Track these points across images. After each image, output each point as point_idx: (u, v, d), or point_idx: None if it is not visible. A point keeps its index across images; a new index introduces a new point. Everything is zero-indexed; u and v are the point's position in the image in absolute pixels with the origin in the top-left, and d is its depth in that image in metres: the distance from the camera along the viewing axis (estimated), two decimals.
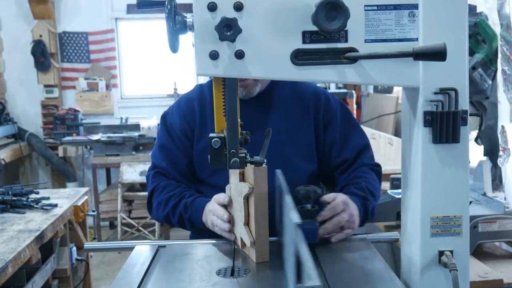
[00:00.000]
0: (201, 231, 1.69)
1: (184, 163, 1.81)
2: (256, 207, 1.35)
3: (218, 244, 1.55)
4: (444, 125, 1.19)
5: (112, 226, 5.80)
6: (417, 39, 1.18)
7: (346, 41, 1.17)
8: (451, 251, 1.23)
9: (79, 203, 2.78)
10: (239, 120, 1.26)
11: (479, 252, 1.84)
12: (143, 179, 4.92)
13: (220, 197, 1.57)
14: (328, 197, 1.55)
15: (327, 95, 1.84)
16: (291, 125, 1.75)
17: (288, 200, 1.18)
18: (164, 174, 1.81)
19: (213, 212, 1.57)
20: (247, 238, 1.38)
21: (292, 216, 1.09)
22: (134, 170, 5.10)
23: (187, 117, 1.81)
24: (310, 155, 1.78)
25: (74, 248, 2.74)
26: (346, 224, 1.53)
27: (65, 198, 2.78)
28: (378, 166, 1.84)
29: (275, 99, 1.79)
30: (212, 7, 1.14)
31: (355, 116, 5.36)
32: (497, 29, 2.28)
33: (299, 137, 1.76)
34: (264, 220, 1.37)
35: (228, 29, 1.12)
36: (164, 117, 1.88)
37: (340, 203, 1.53)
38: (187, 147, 1.80)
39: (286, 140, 1.72)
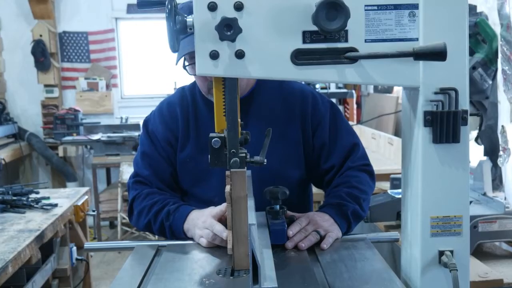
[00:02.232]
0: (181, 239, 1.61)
1: (168, 171, 1.75)
2: (234, 212, 1.30)
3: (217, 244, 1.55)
4: (444, 125, 1.19)
5: (112, 226, 5.80)
6: (417, 39, 1.18)
7: (346, 41, 1.17)
8: (451, 251, 1.23)
9: (79, 203, 2.78)
10: (239, 120, 1.26)
11: (479, 252, 1.84)
12: None
13: (214, 210, 1.54)
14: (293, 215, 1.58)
15: (315, 95, 1.77)
16: (276, 132, 1.61)
17: (249, 203, 1.19)
18: (146, 183, 1.75)
19: (208, 228, 1.51)
20: (230, 243, 1.35)
21: (248, 217, 1.09)
22: None
23: (170, 125, 1.76)
24: (298, 162, 1.74)
25: (74, 248, 2.74)
26: (323, 231, 1.52)
27: (65, 198, 2.79)
28: (367, 165, 1.78)
29: (259, 105, 1.72)
30: (212, 7, 1.14)
31: (355, 116, 5.37)
32: (497, 29, 2.28)
33: (285, 144, 1.70)
34: (242, 225, 1.29)
35: (228, 29, 1.12)
36: (145, 123, 1.82)
37: (303, 218, 1.54)
38: (170, 155, 1.75)
39: (272, 148, 1.52)
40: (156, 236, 1.98)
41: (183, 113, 1.76)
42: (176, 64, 1.64)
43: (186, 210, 1.62)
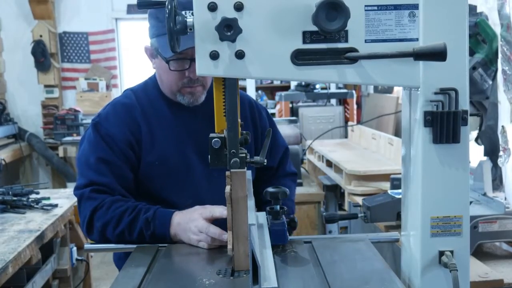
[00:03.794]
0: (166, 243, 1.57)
1: (130, 176, 1.66)
2: (234, 212, 1.30)
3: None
4: (444, 125, 1.19)
5: None
6: (417, 39, 1.18)
7: (346, 41, 1.17)
8: (452, 251, 1.23)
9: None
10: (239, 120, 1.26)
11: (479, 252, 1.84)
12: None
13: (205, 212, 1.52)
14: None
15: (257, 104, 1.92)
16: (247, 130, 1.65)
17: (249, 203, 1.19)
18: (106, 191, 1.61)
19: (203, 231, 1.48)
20: (230, 243, 1.35)
21: (248, 217, 1.09)
22: None
23: (129, 126, 1.67)
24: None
25: (75, 248, 2.74)
26: None
27: (65, 198, 2.79)
28: (295, 174, 1.99)
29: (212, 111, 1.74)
30: (212, 7, 1.14)
31: (355, 116, 5.38)
32: (497, 29, 2.28)
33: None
34: (242, 226, 1.30)
35: (228, 29, 1.12)
36: (96, 126, 1.68)
37: None
38: (131, 159, 1.65)
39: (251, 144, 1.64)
40: None
41: (144, 116, 1.69)
42: (169, 57, 1.59)
43: (167, 215, 1.56)
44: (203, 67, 1.17)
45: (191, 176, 1.69)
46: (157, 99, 1.74)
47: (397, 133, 4.54)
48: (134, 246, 1.57)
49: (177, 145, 1.70)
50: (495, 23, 2.33)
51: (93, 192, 1.61)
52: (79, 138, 5.57)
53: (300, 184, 3.30)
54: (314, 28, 1.14)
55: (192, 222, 1.52)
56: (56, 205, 2.58)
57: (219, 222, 1.49)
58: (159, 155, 1.68)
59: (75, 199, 2.76)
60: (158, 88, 1.76)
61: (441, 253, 1.24)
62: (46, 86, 6.07)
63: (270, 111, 4.10)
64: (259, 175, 1.85)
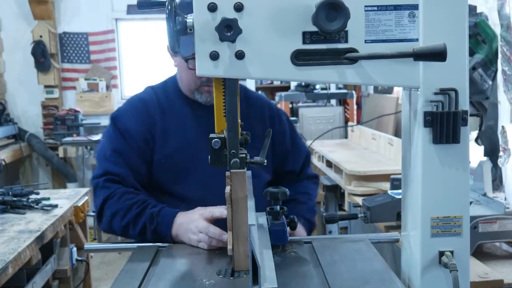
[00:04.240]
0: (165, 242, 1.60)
1: (143, 170, 1.70)
2: (234, 213, 1.30)
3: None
4: (444, 126, 1.19)
5: None
6: (417, 40, 1.18)
7: (346, 41, 1.17)
8: (452, 252, 1.23)
9: (80, 204, 2.78)
10: (239, 120, 1.26)
11: (479, 253, 1.84)
12: None
13: (205, 213, 1.54)
14: None
15: (276, 107, 1.96)
16: (252, 135, 1.66)
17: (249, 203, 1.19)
18: (120, 181, 1.66)
19: (203, 231, 1.50)
20: (230, 244, 1.36)
21: (248, 218, 1.09)
22: None
23: (146, 122, 1.72)
24: (268, 165, 1.74)
25: (75, 249, 2.74)
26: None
27: (65, 199, 2.79)
28: (317, 177, 2.04)
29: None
30: (212, 8, 1.14)
31: (355, 116, 5.38)
32: (497, 30, 2.28)
33: (259, 148, 1.74)
34: (242, 226, 1.30)
35: (228, 30, 1.12)
36: (114, 120, 1.75)
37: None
38: (145, 153, 1.70)
39: (247, 148, 1.63)
40: None
41: (160, 111, 1.73)
42: (188, 56, 1.62)
43: (171, 214, 1.58)
44: (203, 68, 1.17)
45: (202, 172, 1.69)
46: (176, 97, 1.78)
47: (397, 133, 4.54)
48: (135, 246, 1.57)
49: (190, 142, 1.72)
50: (495, 23, 2.33)
51: (107, 181, 1.66)
52: (79, 138, 5.58)
53: None
54: (314, 29, 1.14)
55: (192, 223, 1.53)
56: (56, 206, 2.58)
57: (220, 222, 1.49)
58: (171, 151, 1.71)
59: (75, 199, 2.80)
60: (177, 86, 1.81)
61: (441, 253, 1.24)
62: (46, 86, 6.07)
63: None
64: (280, 179, 1.87)
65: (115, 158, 1.69)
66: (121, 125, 1.72)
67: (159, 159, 1.71)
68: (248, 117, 1.72)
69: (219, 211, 1.52)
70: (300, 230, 1.71)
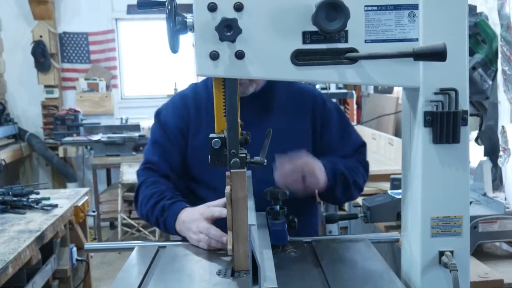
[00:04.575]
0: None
1: (177, 159, 1.80)
2: (234, 213, 1.30)
3: None
4: (444, 125, 1.19)
5: (113, 226, 5.80)
6: (417, 40, 1.18)
7: (346, 41, 1.17)
8: (452, 251, 1.23)
9: (80, 204, 2.78)
10: (239, 120, 1.26)
11: (479, 252, 1.84)
12: None
13: (206, 213, 1.55)
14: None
15: (323, 97, 1.90)
16: (288, 126, 1.75)
17: (249, 203, 1.19)
18: (155, 170, 1.80)
19: (203, 232, 1.52)
20: (230, 243, 1.35)
21: (248, 218, 1.09)
22: (134, 171, 5.06)
23: (182, 115, 1.81)
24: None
25: (75, 249, 2.74)
26: (308, 175, 1.57)
27: (65, 199, 2.78)
28: (367, 163, 1.92)
29: (272, 100, 1.80)
30: (212, 8, 1.14)
31: (355, 116, 5.37)
32: (497, 29, 2.28)
33: (296, 138, 1.76)
34: (242, 226, 1.30)
35: (228, 30, 1.12)
36: (158, 114, 1.88)
37: (303, 154, 1.60)
38: (181, 145, 1.80)
39: (283, 141, 1.68)
40: (157, 237, 2.00)
41: (196, 104, 1.81)
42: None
43: (177, 209, 1.64)
44: (203, 67, 1.17)
45: None
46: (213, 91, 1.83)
47: (397, 133, 4.54)
48: (135, 245, 1.57)
49: None
50: (495, 23, 2.33)
51: (144, 169, 1.82)
52: (79, 138, 5.58)
53: None
54: (314, 28, 1.14)
55: (194, 223, 1.55)
56: (56, 206, 2.58)
57: (220, 222, 1.50)
58: (201, 140, 1.74)
59: (75, 199, 2.80)
60: None
61: (441, 253, 1.24)
62: (46, 86, 6.07)
63: None
64: None
65: (154, 149, 1.83)
66: (162, 118, 1.85)
67: (192, 149, 1.79)
68: (291, 113, 1.78)
69: (219, 210, 1.53)
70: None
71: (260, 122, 1.69)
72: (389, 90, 5.44)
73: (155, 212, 1.68)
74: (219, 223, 1.51)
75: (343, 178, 1.71)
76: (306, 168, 1.57)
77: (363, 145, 1.91)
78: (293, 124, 1.77)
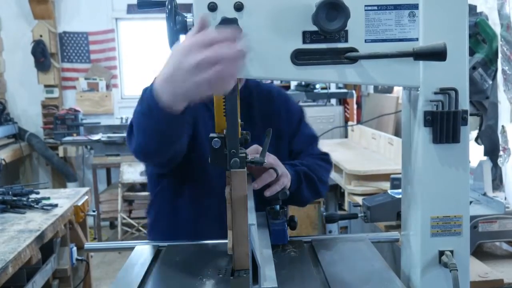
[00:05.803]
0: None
1: (185, 142, 1.62)
2: (234, 212, 1.28)
3: (218, 245, 1.55)
4: (444, 125, 1.19)
5: (113, 226, 5.80)
6: (417, 39, 1.18)
7: (346, 41, 1.17)
8: (452, 251, 1.23)
9: (80, 203, 2.78)
10: (239, 120, 1.26)
11: (479, 252, 1.84)
12: (143, 179, 4.93)
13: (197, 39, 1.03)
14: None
15: (286, 93, 1.95)
16: (269, 125, 1.65)
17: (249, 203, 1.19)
18: None
19: (206, 61, 0.99)
20: (230, 243, 1.35)
21: (248, 217, 1.09)
22: (134, 170, 5.10)
23: (193, 109, 1.72)
24: (288, 154, 1.80)
25: (75, 248, 2.74)
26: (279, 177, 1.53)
27: (65, 198, 2.79)
28: (326, 154, 1.89)
29: (252, 98, 1.77)
30: (212, 7, 1.14)
31: (355, 116, 5.38)
32: (497, 29, 2.29)
33: (280, 136, 1.76)
34: (242, 226, 1.27)
35: None
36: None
37: (270, 158, 1.54)
38: (190, 133, 1.65)
39: (273, 146, 1.59)
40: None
41: (201, 103, 1.72)
42: None
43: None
44: None
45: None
46: None
47: (397, 133, 4.53)
48: (135, 245, 1.57)
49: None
50: (495, 23, 2.34)
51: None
52: (79, 138, 5.59)
53: None
54: (314, 28, 1.14)
55: (181, 57, 1.01)
56: (56, 205, 2.58)
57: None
58: (196, 140, 1.69)
59: (75, 199, 2.80)
60: None
61: (441, 253, 1.24)
62: (46, 86, 6.07)
63: None
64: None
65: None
66: None
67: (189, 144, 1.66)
68: (271, 114, 1.77)
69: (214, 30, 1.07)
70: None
71: (247, 119, 1.57)
72: (389, 90, 5.44)
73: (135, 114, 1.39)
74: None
75: (307, 177, 1.68)
76: (278, 171, 1.53)
77: (314, 138, 1.92)
78: (275, 123, 1.72)
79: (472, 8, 2.35)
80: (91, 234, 4.34)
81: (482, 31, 2.31)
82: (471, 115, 1.23)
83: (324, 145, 3.61)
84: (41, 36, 5.87)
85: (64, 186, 5.76)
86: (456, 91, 1.19)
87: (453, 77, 1.19)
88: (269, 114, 1.78)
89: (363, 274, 1.32)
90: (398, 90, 5.13)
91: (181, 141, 1.49)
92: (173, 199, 1.72)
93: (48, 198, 2.70)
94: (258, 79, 1.68)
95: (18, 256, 1.94)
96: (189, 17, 1.15)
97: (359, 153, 3.51)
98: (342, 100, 5.54)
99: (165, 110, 1.15)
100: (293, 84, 5.60)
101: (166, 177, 1.73)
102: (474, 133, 2.40)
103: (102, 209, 5.40)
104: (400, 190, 1.45)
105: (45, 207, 2.54)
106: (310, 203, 1.86)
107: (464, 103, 1.21)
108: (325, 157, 1.88)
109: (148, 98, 1.19)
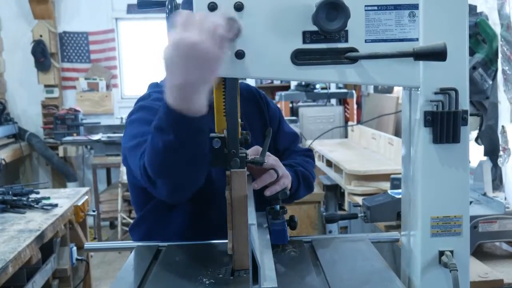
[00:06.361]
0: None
1: None
2: (234, 212, 1.29)
3: (218, 245, 1.55)
4: (444, 125, 1.19)
5: (112, 226, 5.80)
6: (417, 39, 1.18)
7: (346, 41, 1.17)
8: (451, 251, 1.23)
9: (80, 203, 2.78)
10: (239, 120, 1.26)
11: (479, 252, 1.84)
12: None
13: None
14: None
15: (265, 95, 1.94)
16: (254, 124, 1.72)
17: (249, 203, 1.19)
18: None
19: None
20: (230, 243, 1.35)
21: (248, 217, 1.09)
22: None
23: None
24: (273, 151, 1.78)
25: (75, 248, 2.74)
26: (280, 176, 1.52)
27: (65, 198, 2.79)
28: (310, 150, 1.92)
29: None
30: (212, 7, 1.14)
31: (355, 116, 5.38)
32: (497, 29, 2.29)
33: (262, 133, 1.73)
34: (242, 226, 1.28)
35: None
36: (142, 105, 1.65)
37: (271, 159, 1.52)
38: None
39: (257, 142, 1.57)
40: None
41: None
42: None
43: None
44: None
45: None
46: None
47: (397, 133, 4.54)
48: (135, 245, 1.57)
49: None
50: (495, 23, 2.34)
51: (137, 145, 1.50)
52: (79, 138, 5.59)
53: None
54: (314, 28, 1.14)
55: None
56: (56, 205, 2.58)
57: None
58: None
59: (75, 199, 2.80)
60: None
61: (441, 253, 1.24)
62: (46, 86, 6.07)
63: None
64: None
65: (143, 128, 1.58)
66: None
67: None
68: (248, 114, 1.72)
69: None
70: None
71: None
72: (389, 90, 5.44)
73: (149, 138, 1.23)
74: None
75: (304, 176, 1.70)
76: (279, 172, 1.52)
77: (295, 136, 1.94)
78: (257, 122, 1.75)
79: (472, 8, 2.35)
80: (91, 234, 4.34)
81: (482, 31, 2.31)
82: (471, 115, 1.23)
83: (324, 145, 3.59)
84: (41, 36, 5.87)
85: (64, 186, 5.76)
86: (456, 91, 1.19)
87: (453, 77, 1.19)
88: (253, 113, 1.78)
89: (363, 274, 1.32)
90: (398, 90, 5.13)
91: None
92: (167, 214, 1.63)
93: (48, 198, 2.70)
94: (258, 78, 1.68)
95: (18, 256, 1.94)
96: None
97: (359, 153, 3.51)
98: (342, 100, 5.54)
99: (189, 119, 1.09)
100: (293, 84, 5.60)
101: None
102: (474, 133, 2.40)
103: (102, 209, 5.40)
104: (400, 190, 1.45)
105: (45, 207, 2.54)
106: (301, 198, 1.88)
107: (464, 103, 1.21)
108: (309, 153, 1.91)
109: (173, 124, 1.12)
